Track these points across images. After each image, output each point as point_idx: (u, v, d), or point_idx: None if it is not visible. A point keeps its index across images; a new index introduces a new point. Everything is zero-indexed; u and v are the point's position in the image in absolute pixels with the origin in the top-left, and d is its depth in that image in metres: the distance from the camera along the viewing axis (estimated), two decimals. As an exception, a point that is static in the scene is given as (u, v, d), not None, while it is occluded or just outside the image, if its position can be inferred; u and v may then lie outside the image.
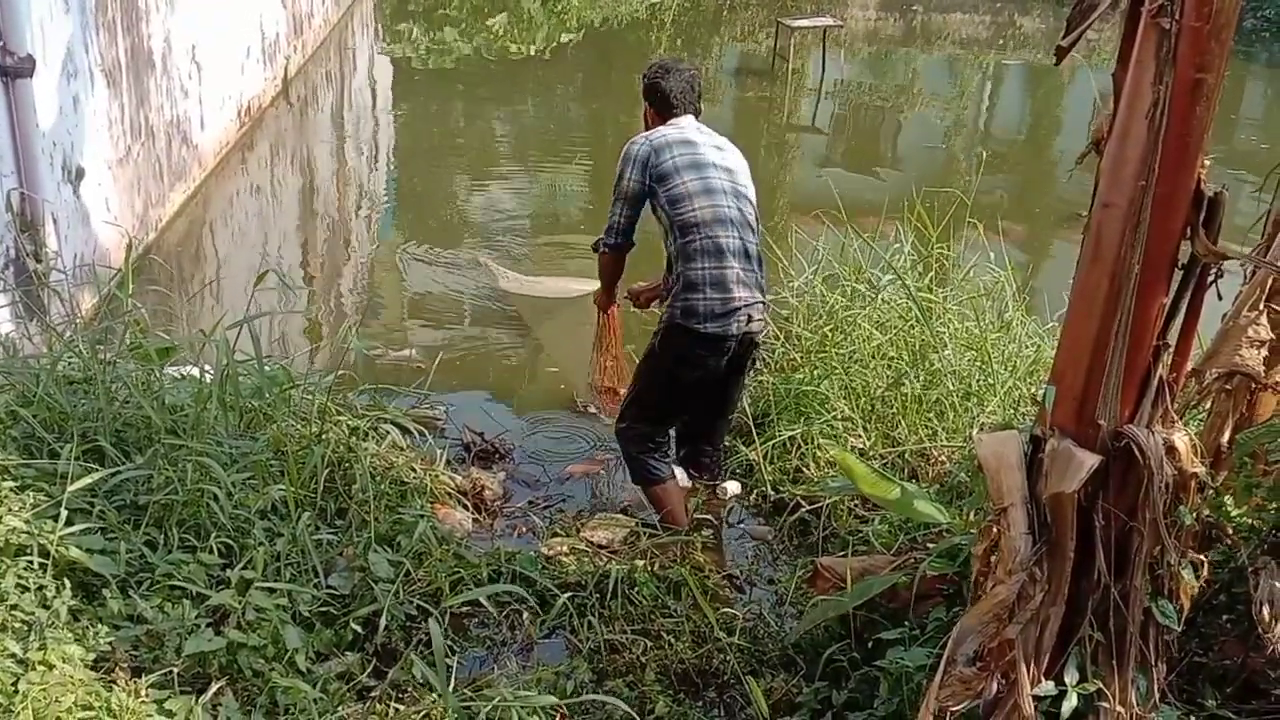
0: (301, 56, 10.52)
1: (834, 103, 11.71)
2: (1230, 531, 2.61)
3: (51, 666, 2.50)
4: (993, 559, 2.48)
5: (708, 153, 3.83)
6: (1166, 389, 2.41)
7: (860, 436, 4.22)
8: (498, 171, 8.88)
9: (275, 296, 5.49)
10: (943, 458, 4.07)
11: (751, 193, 3.86)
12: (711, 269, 3.68)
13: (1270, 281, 2.57)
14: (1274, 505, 2.63)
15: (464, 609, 3.34)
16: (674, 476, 4.02)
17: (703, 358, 3.78)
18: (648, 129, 3.95)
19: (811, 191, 8.40)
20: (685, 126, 3.88)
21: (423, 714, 2.73)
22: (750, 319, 3.74)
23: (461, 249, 6.97)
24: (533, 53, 13.13)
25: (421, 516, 3.50)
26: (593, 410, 4.83)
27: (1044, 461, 2.44)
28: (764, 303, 3.82)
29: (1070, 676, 2.41)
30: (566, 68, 12.94)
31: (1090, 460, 2.33)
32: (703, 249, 3.69)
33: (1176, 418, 2.43)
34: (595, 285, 5.16)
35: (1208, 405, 2.71)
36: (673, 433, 4.18)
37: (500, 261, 6.53)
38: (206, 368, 3.87)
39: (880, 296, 4.83)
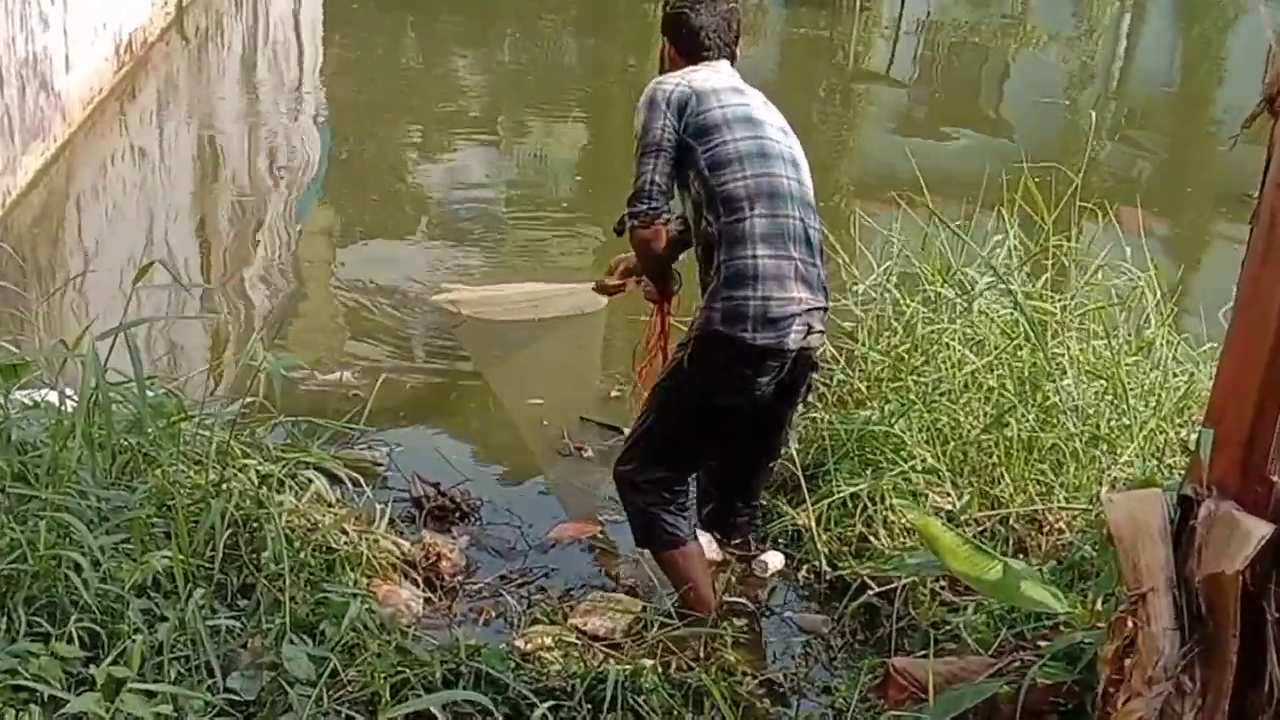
0: (202, -24, 10.62)
1: (917, 43, 11.76)
2: None
3: None
4: (1127, 663, 2.48)
5: (761, 109, 3.86)
6: (1363, 435, 2.41)
7: (948, 495, 4.22)
8: (463, 133, 8.92)
9: (163, 296, 5.52)
10: (1060, 524, 4.07)
11: (805, 165, 3.89)
12: (767, 258, 3.66)
13: None
14: None
15: (410, 722, 3.34)
16: (697, 539, 4.01)
17: (749, 378, 3.76)
18: (663, 74, 3.97)
19: (884, 164, 8.42)
20: (723, 71, 3.91)
21: None
22: (810, 329, 3.74)
23: (415, 236, 6.99)
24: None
25: (354, 596, 3.49)
26: (588, 455, 4.84)
27: (1197, 531, 2.44)
28: (826, 308, 3.82)
29: (1232, 824, 2.40)
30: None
31: (1260, 530, 2.33)
32: (759, 232, 3.67)
33: (1377, 474, 2.43)
34: (573, 293, 5.15)
35: None
36: (693, 484, 4.17)
37: (464, 271, 6.56)
38: (69, 392, 3.88)
39: (975, 306, 4.84)
